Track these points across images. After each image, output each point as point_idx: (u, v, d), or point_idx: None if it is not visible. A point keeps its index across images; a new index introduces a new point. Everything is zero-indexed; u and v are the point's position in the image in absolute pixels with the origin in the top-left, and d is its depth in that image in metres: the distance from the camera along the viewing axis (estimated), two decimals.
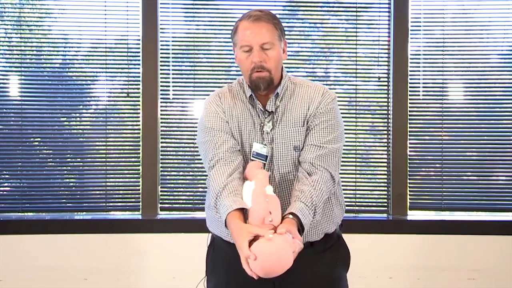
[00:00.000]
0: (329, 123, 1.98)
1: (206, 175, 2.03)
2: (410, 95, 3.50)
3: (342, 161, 2.40)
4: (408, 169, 3.50)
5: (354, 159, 3.49)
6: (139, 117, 3.49)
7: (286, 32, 3.56)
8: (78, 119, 3.58)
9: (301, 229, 1.82)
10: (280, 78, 2.02)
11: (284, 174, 1.99)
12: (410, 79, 3.50)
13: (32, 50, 3.51)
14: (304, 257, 1.86)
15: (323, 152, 1.94)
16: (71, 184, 3.57)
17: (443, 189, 3.52)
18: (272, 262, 1.69)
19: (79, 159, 3.54)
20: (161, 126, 3.50)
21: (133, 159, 3.51)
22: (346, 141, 3.39)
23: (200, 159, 2.14)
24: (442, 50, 3.53)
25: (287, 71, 3.54)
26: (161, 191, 3.50)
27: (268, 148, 1.99)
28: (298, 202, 1.85)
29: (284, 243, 1.70)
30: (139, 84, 3.49)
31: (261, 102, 2.01)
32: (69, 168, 3.55)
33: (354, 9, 3.52)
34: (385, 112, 3.53)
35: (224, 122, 2.00)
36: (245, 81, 2.01)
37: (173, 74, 3.50)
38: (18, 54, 3.51)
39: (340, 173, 2.09)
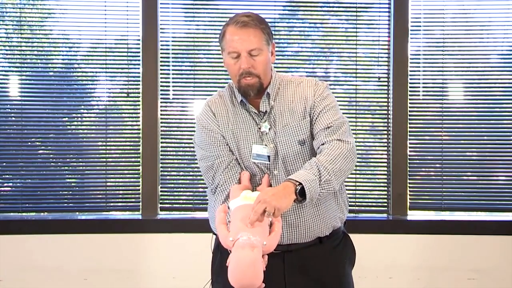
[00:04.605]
0: (330, 107, 2.00)
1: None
2: (410, 95, 3.50)
3: None
4: (408, 169, 3.50)
5: None
6: (139, 117, 3.49)
7: (286, 32, 3.60)
8: (78, 119, 3.58)
9: (302, 188, 1.77)
10: (270, 79, 2.03)
11: (291, 171, 1.99)
12: (410, 79, 3.50)
13: (33, 50, 3.52)
14: (314, 255, 1.99)
15: (331, 129, 1.95)
16: (72, 184, 3.58)
17: (443, 189, 3.52)
18: (237, 272, 1.66)
19: (79, 159, 3.54)
20: (161, 126, 3.50)
21: (133, 159, 3.51)
22: None
23: None
24: (442, 50, 3.53)
25: (287, 71, 3.57)
26: (161, 191, 3.50)
27: (269, 148, 2.00)
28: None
29: (254, 256, 1.65)
30: (139, 84, 3.49)
31: (253, 104, 2.02)
32: (69, 168, 3.55)
33: (354, 9, 3.52)
34: (385, 112, 3.53)
35: (219, 137, 2.02)
36: (235, 86, 2.02)
37: (173, 74, 3.50)
38: (18, 54, 3.51)
39: None
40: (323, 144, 1.93)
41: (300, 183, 1.76)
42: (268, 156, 1.99)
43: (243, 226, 1.71)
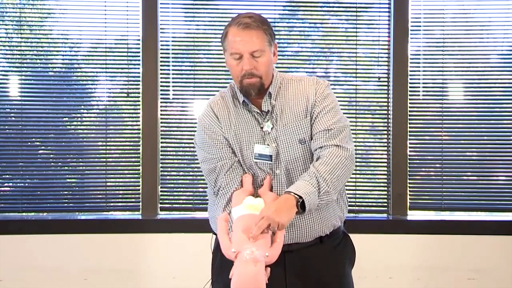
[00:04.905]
0: (330, 107, 2.00)
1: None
2: (410, 95, 3.50)
3: None
4: (408, 169, 3.50)
5: None
6: (139, 117, 3.49)
7: (286, 32, 3.60)
8: (78, 119, 3.58)
9: (301, 199, 1.79)
10: (271, 79, 2.03)
11: (292, 170, 2.00)
12: (410, 79, 3.50)
13: (33, 50, 3.52)
14: (314, 255, 1.99)
15: (331, 132, 1.95)
16: (72, 184, 3.58)
17: (443, 189, 3.52)
18: (240, 286, 1.67)
19: (79, 159, 3.54)
20: (161, 126, 3.50)
21: (133, 159, 3.51)
22: None
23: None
24: (442, 50, 3.53)
25: (287, 71, 3.57)
26: (161, 191, 3.50)
27: (271, 148, 2.00)
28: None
29: (257, 270, 1.66)
30: (139, 84, 3.49)
31: (255, 104, 2.02)
32: (69, 168, 3.55)
33: (354, 9, 3.52)
34: (385, 112, 3.53)
35: (221, 139, 2.02)
36: (236, 86, 2.02)
37: (173, 74, 3.50)
38: (18, 54, 3.51)
39: None
40: (321, 147, 1.94)
41: (301, 197, 1.78)
42: (270, 156, 1.99)
43: (245, 238, 1.72)
